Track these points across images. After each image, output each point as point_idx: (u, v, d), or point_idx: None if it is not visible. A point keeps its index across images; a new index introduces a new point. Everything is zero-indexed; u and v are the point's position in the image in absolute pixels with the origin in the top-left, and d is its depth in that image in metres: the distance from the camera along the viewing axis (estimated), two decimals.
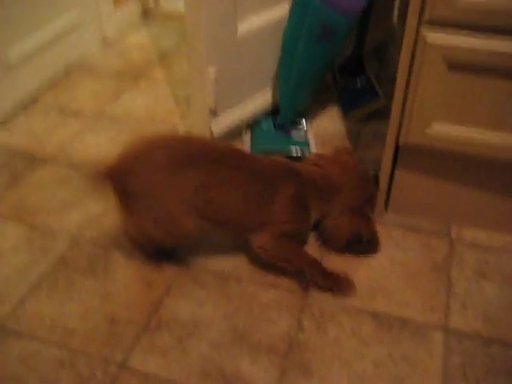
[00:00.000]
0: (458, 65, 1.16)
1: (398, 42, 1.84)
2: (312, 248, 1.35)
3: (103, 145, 1.76)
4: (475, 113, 1.21)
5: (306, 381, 1.09)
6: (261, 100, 1.73)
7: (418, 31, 1.15)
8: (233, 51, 1.58)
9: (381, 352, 1.14)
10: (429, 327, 1.19)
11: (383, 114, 1.35)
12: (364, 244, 1.32)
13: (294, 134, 1.72)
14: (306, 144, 1.67)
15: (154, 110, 1.93)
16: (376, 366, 1.11)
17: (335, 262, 1.32)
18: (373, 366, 1.11)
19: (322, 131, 1.78)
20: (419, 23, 1.15)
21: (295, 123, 1.75)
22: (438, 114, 1.23)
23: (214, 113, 1.62)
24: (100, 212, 1.50)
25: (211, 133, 1.63)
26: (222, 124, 1.65)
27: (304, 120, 1.78)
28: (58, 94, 2.04)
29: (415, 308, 1.23)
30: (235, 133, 1.75)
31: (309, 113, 1.84)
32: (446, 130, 1.24)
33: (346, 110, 1.84)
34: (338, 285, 1.25)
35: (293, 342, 1.16)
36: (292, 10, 1.56)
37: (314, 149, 1.67)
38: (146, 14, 2.61)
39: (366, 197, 1.33)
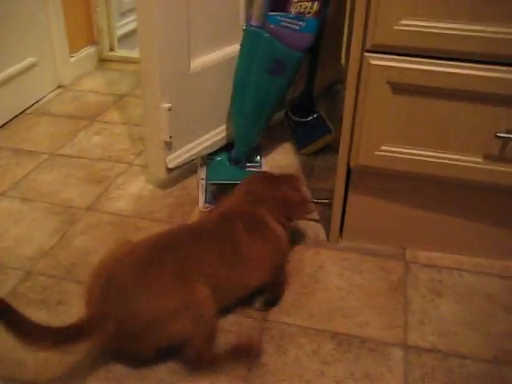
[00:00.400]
0: (401, 87, 1.21)
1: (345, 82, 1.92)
2: None
3: (57, 182, 1.75)
4: (421, 133, 1.26)
5: None
6: (216, 135, 1.77)
7: (361, 57, 1.21)
8: (187, 87, 1.61)
9: (341, 370, 1.13)
10: (388, 344, 1.19)
11: (335, 148, 1.40)
12: None
13: (249, 167, 1.75)
14: None
15: (110, 149, 1.94)
16: None
17: (293, 285, 1.33)
18: None
19: (277, 164, 1.81)
20: (362, 49, 1.21)
21: (250, 157, 1.78)
22: (385, 136, 1.28)
23: (169, 148, 1.63)
24: (54, 245, 1.47)
25: (166, 168, 1.64)
26: (177, 159, 1.67)
27: (259, 155, 1.82)
28: (11, 135, 2.02)
29: (374, 327, 1.23)
30: (190, 169, 1.77)
31: (263, 148, 1.88)
32: (394, 151, 1.29)
33: (300, 144, 1.88)
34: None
35: (252, 364, 1.14)
36: (243, 43, 1.62)
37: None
38: (102, 59, 2.65)
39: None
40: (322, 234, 1.50)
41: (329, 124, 1.88)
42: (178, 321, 1.06)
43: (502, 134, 1.20)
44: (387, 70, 1.20)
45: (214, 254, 1.16)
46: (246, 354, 1.16)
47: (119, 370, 1.13)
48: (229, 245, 1.18)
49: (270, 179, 1.38)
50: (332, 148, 1.82)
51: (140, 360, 1.12)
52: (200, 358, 1.10)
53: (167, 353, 1.13)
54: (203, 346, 1.09)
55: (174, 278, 1.07)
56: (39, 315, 1.25)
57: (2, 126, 2.08)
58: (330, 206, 1.46)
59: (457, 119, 1.23)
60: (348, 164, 1.35)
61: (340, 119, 1.32)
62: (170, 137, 1.59)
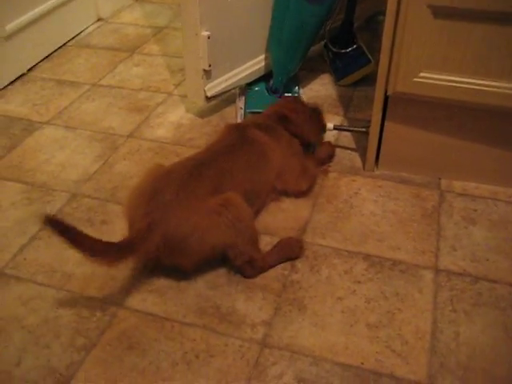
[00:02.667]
0: (443, 11, 1.19)
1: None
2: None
3: (99, 111, 1.79)
4: (461, 59, 1.24)
5: (300, 315, 1.12)
6: (254, 64, 1.77)
7: None
8: (225, 15, 1.61)
9: (372, 289, 1.17)
10: (419, 267, 1.22)
11: (374, 79, 1.39)
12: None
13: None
14: None
15: (149, 79, 1.97)
16: (368, 302, 1.14)
17: (328, 210, 1.36)
18: (364, 301, 1.15)
19: (315, 95, 1.82)
20: None
21: (288, 87, 1.78)
22: (425, 62, 1.27)
23: (208, 76, 1.65)
24: (97, 170, 1.53)
25: (206, 96, 1.67)
26: (216, 88, 1.69)
27: (297, 85, 1.82)
28: (54, 67, 2.07)
29: (406, 251, 1.26)
30: (229, 99, 1.79)
31: (302, 78, 1.88)
32: (433, 78, 1.28)
33: (338, 76, 1.87)
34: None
35: (287, 281, 1.19)
36: None
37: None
38: None
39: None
40: (358, 163, 1.52)
41: (368, 55, 1.85)
42: (219, 228, 1.12)
43: None
44: None
45: (242, 161, 1.25)
46: (291, 250, 1.23)
47: (160, 283, 1.19)
48: (251, 148, 1.29)
49: (294, 103, 1.50)
50: (371, 79, 1.80)
51: (180, 274, 1.19)
52: (252, 261, 1.17)
53: (205, 267, 1.19)
54: (249, 249, 1.16)
55: (211, 191, 1.15)
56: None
57: (45, 58, 2.13)
58: (366, 134, 1.47)
59: (499, 44, 1.20)
60: (386, 91, 1.34)
61: (380, 50, 1.30)
62: (209, 65, 1.61)
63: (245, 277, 1.20)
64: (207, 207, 1.13)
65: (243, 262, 1.17)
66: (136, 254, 1.11)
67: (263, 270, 1.21)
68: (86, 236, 1.07)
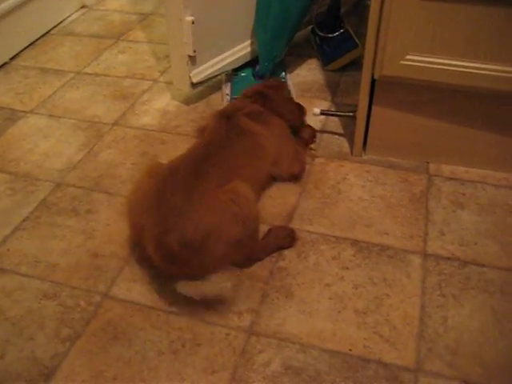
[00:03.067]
0: None
1: None
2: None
3: (84, 99, 1.77)
4: (450, 41, 1.22)
5: (288, 302, 1.11)
6: (240, 50, 1.74)
7: None
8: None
9: (360, 275, 1.16)
10: (407, 252, 1.21)
11: (362, 63, 1.37)
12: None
13: None
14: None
15: (135, 67, 1.94)
16: (355, 288, 1.13)
17: (315, 196, 1.35)
18: (352, 287, 1.14)
19: (302, 80, 1.80)
20: None
21: (275, 73, 1.76)
22: (411, 45, 1.25)
23: (193, 62, 1.62)
24: (82, 158, 1.50)
25: (191, 82, 1.64)
26: (201, 74, 1.66)
27: (283, 71, 1.80)
28: (37, 55, 2.04)
29: (394, 236, 1.25)
30: (215, 85, 1.77)
31: (288, 64, 1.86)
32: (420, 60, 1.26)
33: (325, 60, 1.85)
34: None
35: (274, 268, 1.18)
36: None
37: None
38: None
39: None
40: (346, 148, 1.50)
41: (356, 39, 1.83)
42: (232, 224, 1.08)
43: None
44: None
45: (239, 153, 1.23)
46: (284, 240, 1.22)
47: (146, 272, 1.18)
48: (246, 139, 1.26)
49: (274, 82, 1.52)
50: (359, 64, 1.78)
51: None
52: (250, 254, 1.17)
53: None
54: (251, 242, 1.14)
55: (218, 185, 1.12)
56: (70, 223, 1.31)
57: (28, 46, 2.09)
58: (354, 119, 1.45)
59: (488, 26, 1.18)
60: (372, 75, 1.33)
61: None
62: (194, 51, 1.58)
63: (238, 267, 1.18)
64: (217, 204, 1.09)
65: (247, 256, 1.16)
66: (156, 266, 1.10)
67: (258, 260, 1.19)
68: None
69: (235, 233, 1.09)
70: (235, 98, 1.66)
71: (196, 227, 1.05)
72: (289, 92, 1.54)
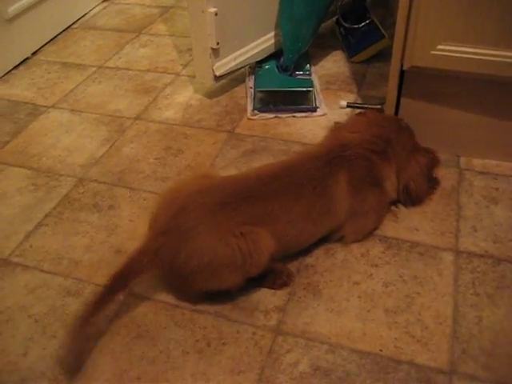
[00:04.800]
0: None
1: None
2: None
3: (106, 94, 1.75)
4: (482, 30, 1.18)
5: (315, 301, 1.08)
6: (264, 42, 1.71)
7: None
8: None
9: (390, 272, 1.12)
10: (438, 249, 1.17)
11: (388, 54, 1.33)
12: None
13: (298, 75, 1.70)
14: (311, 84, 1.65)
15: (157, 60, 1.92)
16: (385, 286, 1.10)
17: None
18: (382, 285, 1.10)
19: (327, 72, 1.76)
20: None
21: (299, 65, 1.73)
22: (443, 34, 1.20)
23: (216, 55, 1.59)
24: (104, 153, 1.49)
25: (214, 76, 1.61)
26: (224, 67, 1.63)
27: (308, 63, 1.76)
28: (59, 50, 2.03)
29: (424, 232, 1.21)
30: (238, 78, 1.74)
31: (313, 56, 1.82)
32: (451, 50, 1.21)
33: (351, 51, 1.81)
34: None
35: (301, 266, 1.15)
36: None
37: (318, 89, 1.65)
38: None
39: (411, 133, 1.27)
40: None
41: (382, 30, 1.79)
42: (231, 270, 1.01)
43: None
44: None
45: (294, 207, 1.07)
46: (280, 286, 1.11)
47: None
48: (315, 196, 1.08)
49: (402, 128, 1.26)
50: (385, 55, 1.74)
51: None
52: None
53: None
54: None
55: (240, 228, 1.01)
56: (93, 218, 1.29)
57: (50, 41, 2.08)
58: (381, 111, 1.41)
59: None
60: (401, 66, 1.28)
61: (394, 26, 1.24)
62: (217, 43, 1.55)
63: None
64: (228, 245, 1.00)
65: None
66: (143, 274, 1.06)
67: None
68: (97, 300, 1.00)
69: (234, 279, 1.03)
70: (259, 91, 1.63)
71: (189, 260, 1.00)
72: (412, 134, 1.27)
